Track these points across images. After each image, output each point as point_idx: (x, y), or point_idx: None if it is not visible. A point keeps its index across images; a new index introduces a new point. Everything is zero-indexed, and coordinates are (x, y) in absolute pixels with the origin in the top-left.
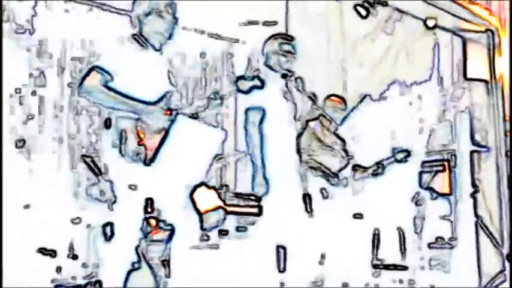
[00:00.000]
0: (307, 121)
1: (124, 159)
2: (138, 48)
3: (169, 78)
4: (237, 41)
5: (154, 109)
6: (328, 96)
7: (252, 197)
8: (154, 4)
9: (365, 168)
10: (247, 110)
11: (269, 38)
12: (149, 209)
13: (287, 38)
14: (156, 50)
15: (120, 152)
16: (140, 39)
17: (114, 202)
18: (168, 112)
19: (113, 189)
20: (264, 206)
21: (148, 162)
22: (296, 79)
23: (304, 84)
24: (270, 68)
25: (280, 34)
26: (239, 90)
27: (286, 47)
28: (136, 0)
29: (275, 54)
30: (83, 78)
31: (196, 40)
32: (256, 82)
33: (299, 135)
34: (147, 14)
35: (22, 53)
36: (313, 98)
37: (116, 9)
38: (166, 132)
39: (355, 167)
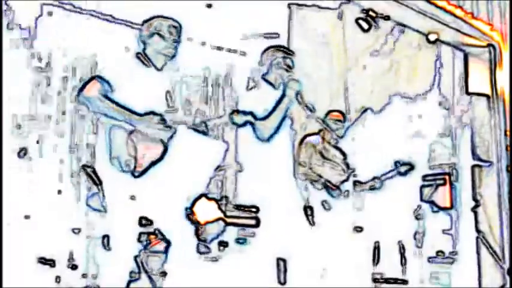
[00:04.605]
0: (306, 136)
1: (116, 169)
2: (141, 64)
3: (166, 99)
4: (244, 53)
5: (150, 120)
6: (329, 112)
7: (252, 209)
8: (158, 26)
9: (363, 183)
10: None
11: (266, 49)
12: (146, 222)
13: (288, 52)
14: (158, 69)
15: (110, 161)
16: (144, 58)
17: (112, 213)
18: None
19: (104, 200)
20: (263, 217)
21: (137, 174)
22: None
23: (302, 93)
24: (268, 82)
25: (280, 47)
26: (234, 123)
27: (289, 62)
28: (147, 22)
29: (277, 68)
30: (83, 86)
31: (198, 54)
32: (250, 118)
33: (297, 147)
34: (151, 35)
35: (23, 62)
36: (311, 109)
37: (127, 22)
38: (165, 146)
39: (355, 183)
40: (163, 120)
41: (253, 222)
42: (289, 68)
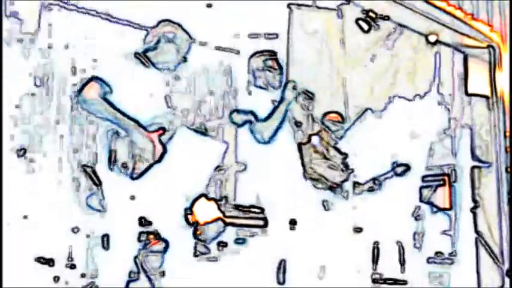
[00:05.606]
0: (310, 135)
1: (114, 171)
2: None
3: (166, 101)
4: (238, 52)
5: (143, 133)
6: (326, 114)
7: (253, 209)
8: (175, 37)
9: (362, 184)
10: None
11: (252, 56)
12: (145, 222)
13: (270, 53)
14: (157, 69)
15: (109, 164)
16: (143, 58)
17: (112, 212)
18: (160, 132)
19: (103, 200)
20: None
21: (135, 176)
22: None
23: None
24: (260, 87)
25: (263, 51)
26: (233, 123)
27: (271, 63)
28: (169, 21)
29: (261, 71)
30: (82, 88)
31: (198, 54)
32: (250, 117)
33: (300, 147)
34: (167, 40)
35: (24, 62)
36: (310, 96)
37: (135, 24)
38: (164, 148)
39: (355, 184)
40: (162, 129)
41: (261, 222)
42: (273, 69)
